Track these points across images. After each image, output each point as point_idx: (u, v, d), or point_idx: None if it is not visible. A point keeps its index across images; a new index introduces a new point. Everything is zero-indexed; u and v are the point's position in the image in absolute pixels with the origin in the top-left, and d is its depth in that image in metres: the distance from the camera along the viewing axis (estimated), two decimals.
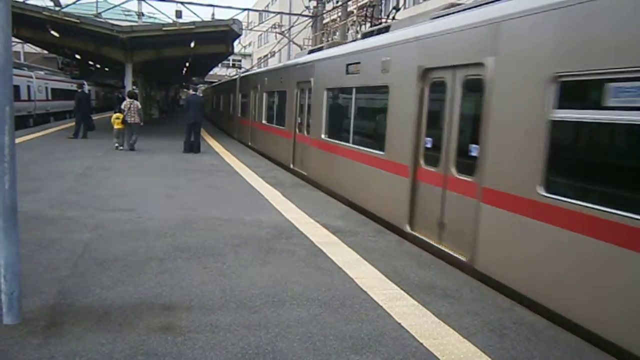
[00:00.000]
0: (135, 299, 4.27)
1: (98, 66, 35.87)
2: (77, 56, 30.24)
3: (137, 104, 15.89)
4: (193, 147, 15.56)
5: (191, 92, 16.83)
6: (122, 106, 15.67)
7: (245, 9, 26.51)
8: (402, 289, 4.85)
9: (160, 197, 8.62)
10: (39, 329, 3.64)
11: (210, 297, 4.40)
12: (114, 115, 15.96)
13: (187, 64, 29.87)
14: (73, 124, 19.47)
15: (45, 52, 34.01)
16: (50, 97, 31.99)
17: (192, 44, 19.74)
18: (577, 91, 4.39)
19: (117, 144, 15.69)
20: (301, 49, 23.81)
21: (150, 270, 4.99)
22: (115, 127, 15.72)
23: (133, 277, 4.79)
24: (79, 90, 19.73)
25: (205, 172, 11.77)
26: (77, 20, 16.95)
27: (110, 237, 6.08)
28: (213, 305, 4.23)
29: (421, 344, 3.75)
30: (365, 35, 9.73)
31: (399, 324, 4.08)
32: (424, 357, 3.56)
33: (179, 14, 25.70)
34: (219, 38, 19.88)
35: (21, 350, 3.34)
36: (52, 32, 18.84)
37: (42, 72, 32.21)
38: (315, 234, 6.66)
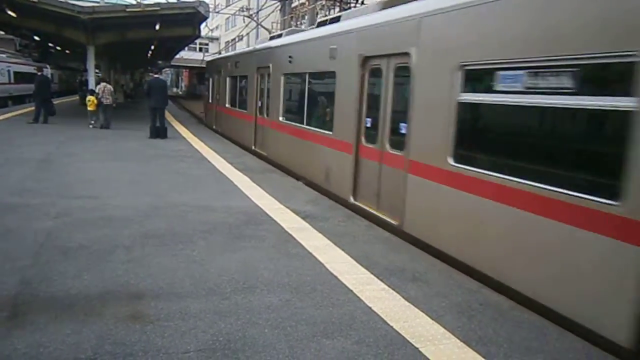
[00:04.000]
0: (102, 288, 4.18)
1: (59, 48, 34.68)
2: (36, 38, 29.16)
3: (110, 87, 17.73)
4: (159, 132, 15.25)
5: (154, 75, 16.56)
6: (97, 89, 17.49)
7: None
8: (372, 273, 4.90)
9: (126, 184, 8.42)
10: (0, 321, 3.52)
11: (179, 285, 4.34)
12: (87, 98, 17.58)
13: (153, 47, 29.17)
14: (33, 108, 18.82)
15: (2, 32, 32.59)
16: (12, 81, 30.97)
17: (157, 27, 19.24)
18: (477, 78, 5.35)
19: (91, 124, 17.15)
20: (269, 33, 23.53)
21: (117, 259, 4.88)
22: (89, 108, 17.27)
23: (99, 265, 4.68)
24: (39, 74, 19.06)
25: (172, 158, 11.57)
26: (35, 0, 16.26)
27: (74, 225, 5.92)
28: (182, 293, 4.18)
29: (391, 327, 3.79)
30: (320, 24, 10.36)
31: (370, 307, 4.11)
32: (394, 339, 3.61)
33: None
34: (185, 20, 19.44)
35: None
36: (9, 12, 18.04)
37: (4, 55, 31.09)
38: (285, 220, 6.64)
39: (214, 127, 20.22)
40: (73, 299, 3.95)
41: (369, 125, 7.36)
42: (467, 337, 3.70)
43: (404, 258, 5.42)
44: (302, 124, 10.01)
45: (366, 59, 7.33)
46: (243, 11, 37.74)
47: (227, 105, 17.67)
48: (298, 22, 30.21)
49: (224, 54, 25.47)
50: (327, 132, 8.70)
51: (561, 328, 3.95)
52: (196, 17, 18.93)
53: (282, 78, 11.24)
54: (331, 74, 8.49)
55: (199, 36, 24.69)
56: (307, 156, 9.72)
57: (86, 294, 4.04)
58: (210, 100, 21.82)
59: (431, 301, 4.31)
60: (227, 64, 17.73)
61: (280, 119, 11.33)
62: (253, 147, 13.72)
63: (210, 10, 23.73)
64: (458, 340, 3.64)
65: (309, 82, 9.83)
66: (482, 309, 4.21)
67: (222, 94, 18.34)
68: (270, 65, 11.99)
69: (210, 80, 21.53)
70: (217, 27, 64.63)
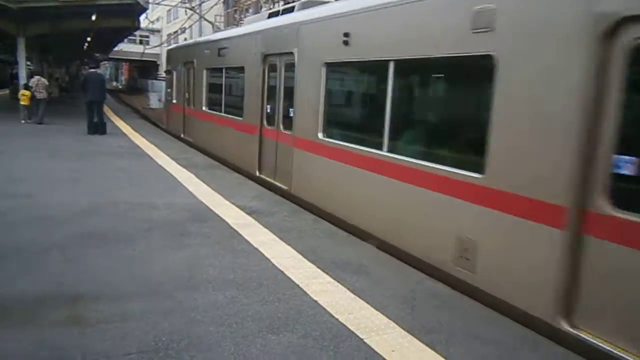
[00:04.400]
0: (38, 292, 3.99)
1: None
2: None
3: (44, 80, 17.45)
4: (98, 128, 14.66)
5: (90, 69, 15.95)
6: (30, 83, 17.16)
7: None
8: (318, 267, 4.93)
9: (62, 182, 8.06)
10: None
11: (120, 285, 4.21)
12: (21, 92, 17.23)
13: (89, 39, 28.04)
14: None
15: None
16: None
17: (94, 17, 18.52)
18: None
19: (23, 119, 16.66)
20: (213, 26, 23.05)
21: (53, 260, 4.67)
22: (22, 103, 16.85)
23: (33, 268, 4.46)
24: None
25: (112, 155, 11.17)
26: None
27: (5, 225, 5.61)
28: (124, 294, 4.06)
29: (337, 319, 3.84)
30: None
31: (316, 301, 4.15)
32: (340, 332, 3.65)
33: None
34: (124, 11, 18.85)
35: None
36: None
37: None
38: (230, 216, 6.57)
39: (182, 136, 15.39)
40: (6, 305, 3.75)
41: (627, 171, 3.49)
42: (411, 326, 3.80)
43: (350, 251, 5.49)
44: (380, 149, 6.05)
45: (628, 23, 3.41)
46: (185, 3, 36.90)
47: (204, 108, 13.21)
48: (242, 16, 29.81)
49: (198, 39, 19.02)
50: (460, 172, 4.81)
51: (503, 316, 4.12)
52: (135, 8, 18.40)
53: (324, 71, 7.35)
54: (475, 61, 4.76)
55: (138, 28, 23.95)
56: (392, 206, 5.87)
57: (20, 299, 3.85)
58: (174, 100, 16.66)
59: (376, 292, 4.40)
60: (203, 52, 13.31)
61: (320, 136, 7.37)
62: (258, 174, 9.55)
63: (151, 1, 23.04)
64: (402, 330, 3.74)
65: (395, 78, 5.89)
66: (426, 299, 4.33)
67: (197, 92, 13.80)
68: (295, 52, 8.06)
69: (175, 74, 16.47)
70: (158, 19, 62.73)
